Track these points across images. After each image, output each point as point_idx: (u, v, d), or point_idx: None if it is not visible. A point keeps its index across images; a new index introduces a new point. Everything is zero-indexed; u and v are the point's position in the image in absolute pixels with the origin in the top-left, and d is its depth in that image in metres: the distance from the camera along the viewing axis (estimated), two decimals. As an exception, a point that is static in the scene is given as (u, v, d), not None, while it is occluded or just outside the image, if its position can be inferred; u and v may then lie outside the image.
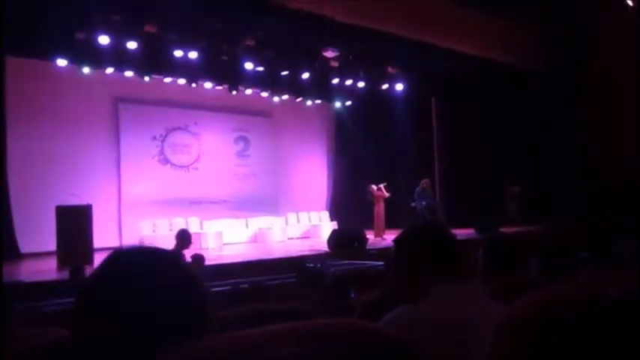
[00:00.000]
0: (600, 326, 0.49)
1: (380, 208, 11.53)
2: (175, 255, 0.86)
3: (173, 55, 9.58)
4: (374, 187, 11.59)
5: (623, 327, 0.48)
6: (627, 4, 9.45)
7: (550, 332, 0.50)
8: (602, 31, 10.41)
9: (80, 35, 8.78)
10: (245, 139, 13.92)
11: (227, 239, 11.86)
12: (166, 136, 12.62)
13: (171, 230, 11.65)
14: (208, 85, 11.65)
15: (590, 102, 10.58)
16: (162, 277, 0.80)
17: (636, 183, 8.46)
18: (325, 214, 14.26)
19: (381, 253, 8.44)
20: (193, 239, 11.17)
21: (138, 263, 0.82)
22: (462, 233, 10.10)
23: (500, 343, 0.54)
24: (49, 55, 9.39)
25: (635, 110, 9.50)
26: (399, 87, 12.24)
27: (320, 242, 10.82)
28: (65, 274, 6.66)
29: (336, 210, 14.54)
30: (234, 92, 11.98)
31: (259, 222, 12.81)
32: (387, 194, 11.55)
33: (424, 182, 11.73)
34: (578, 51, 10.69)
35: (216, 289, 4.92)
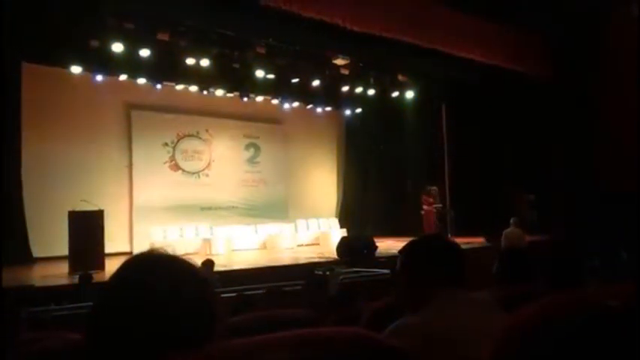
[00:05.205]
0: (600, 338, 0.49)
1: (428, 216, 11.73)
2: (188, 261, 0.88)
3: (185, 63, 9.69)
4: (427, 199, 11.78)
5: (623, 339, 0.48)
6: (633, 12, 9.38)
7: (549, 343, 0.51)
8: (608, 40, 10.33)
9: (94, 43, 8.92)
10: (255, 146, 13.99)
11: (237, 245, 11.89)
12: (178, 142, 12.73)
13: (181, 236, 11.75)
14: (220, 92, 11.75)
15: (598, 110, 10.48)
16: (176, 282, 0.81)
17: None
18: (335, 221, 14.25)
19: (390, 260, 8.40)
20: (203, 245, 11.30)
21: (153, 269, 0.83)
22: (471, 241, 10.03)
23: (499, 353, 0.54)
24: (64, 62, 9.55)
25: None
26: (410, 94, 12.24)
27: (329, 249, 10.80)
28: (76, 280, 6.72)
29: (346, 217, 14.52)
30: (245, 99, 12.06)
31: (269, 228, 12.84)
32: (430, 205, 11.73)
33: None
34: (586, 59, 10.62)
35: (225, 295, 4.95)
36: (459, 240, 8.29)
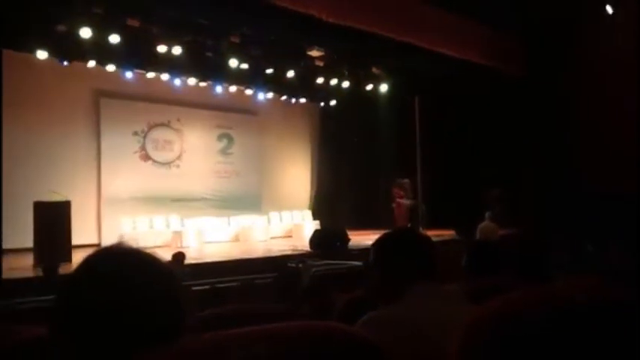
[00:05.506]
0: (565, 331, 0.50)
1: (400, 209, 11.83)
2: (153, 254, 0.86)
3: (156, 50, 9.47)
4: (399, 192, 11.85)
5: (588, 333, 0.50)
6: (606, 11, 9.66)
7: (514, 334, 0.51)
8: (582, 38, 10.62)
9: (61, 27, 8.62)
10: (228, 137, 13.84)
11: (208, 238, 11.78)
12: (148, 131, 12.47)
13: (151, 228, 11.56)
14: (192, 81, 11.54)
15: (572, 109, 10.78)
16: (141, 276, 0.80)
17: (615, 187, 8.68)
18: (308, 214, 14.27)
19: (362, 253, 8.47)
20: (174, 237, 11.15)
21: (117, 262, 0.82)
22: (442, 234, 10.21)
23: (465, 343, 0.55)
24: (29, 47, 9.19)
25: (616, 115, 9.73)
26: (384, 88, 12.30)
27: (302, 242, 10.82)
28: (40, 272, 6.54)
29: (319, 209, 14.56)
30: (218, 89, 11.88)
31: (241, 220, 12.76)
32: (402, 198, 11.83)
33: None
34: (559, 57, 10.89)
35: (197, 287, 4.91)
36: (429, 233, 8.43)
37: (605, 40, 10.02)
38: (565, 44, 10.75)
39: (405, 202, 11.93)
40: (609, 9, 9.64)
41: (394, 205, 12.09)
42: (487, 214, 8.84)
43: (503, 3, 9.65)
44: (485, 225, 8.61)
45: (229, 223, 12.62)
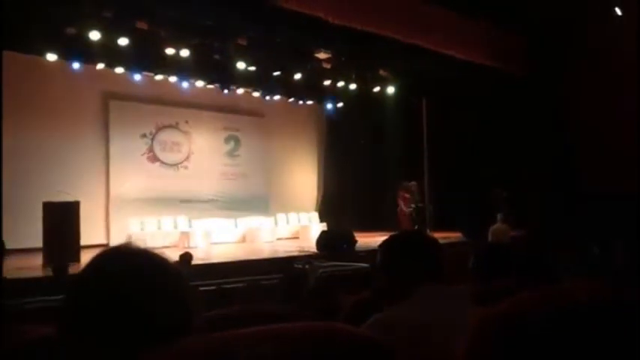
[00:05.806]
0: (569, 332, 0.50)
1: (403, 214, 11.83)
2: (162, 254, 0.87)
3: (165, 53, 9.53)
4: (404, 195, 11.86)
5: (593, 334, 0.50)
6: (615, 13, 9.60)
7: (520, 336, 0.52)
8: (583, 38, 10.55)
9: (71, 30, 8.70)
10: (236, 139, 13.88)
11: (216, 239, 11.81)
12: (156, 133, 12.54)
13: (159, 228, 11.61)
14: (200, 83, 11.59)
15: (575, 110, 10.71)
16: (149, 276, 0.80)
17: (615, 187, 8.63)
18: (315, 215, 14.27)
19: (369, 254, 8.45)
20: (181, 238, 11.20)
21: (125, 262, 0.82)
22: (450, 236, 10.17)
23: (471, 345, 0.55)
24: (39, 50, 9.28)
25: (616, 115, 9.67)
26: (391, 90, 12.28)
27: (309, 243, 10.82)
28: (50, 272, 6.59)
29: (326, 211, 14.55)
30: (225, 91, 11.93)
31: (248, 222, 12.78)
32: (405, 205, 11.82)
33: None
34: (560, 56, 10.83)
35: (203, 288, 4.92)
36: (436, 235, 8.40)
37: (606, 40, 9.96)
38: (566, 44, 10.69)
39: (407, 209, 11.83)
40: (618, 11, 9.57)
41: (399, 209, 12.06)
42: (499, 216, 8.72)
43: (505, 3, 9.62)
44: (497, 227, 8.48)
45: (236, 225, 12.65)
